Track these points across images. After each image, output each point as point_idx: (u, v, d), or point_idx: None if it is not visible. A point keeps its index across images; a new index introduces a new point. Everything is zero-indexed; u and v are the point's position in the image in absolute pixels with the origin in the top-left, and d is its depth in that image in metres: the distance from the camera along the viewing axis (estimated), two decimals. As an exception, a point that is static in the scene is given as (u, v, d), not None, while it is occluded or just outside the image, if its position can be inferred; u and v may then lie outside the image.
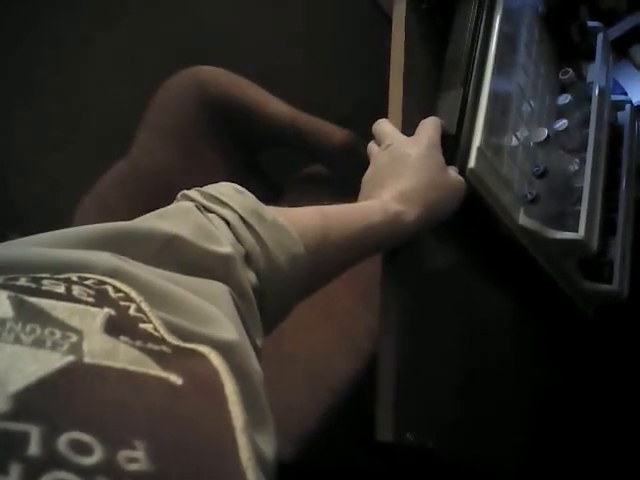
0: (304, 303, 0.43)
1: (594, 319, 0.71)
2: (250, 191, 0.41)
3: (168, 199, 0.40)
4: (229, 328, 0.27)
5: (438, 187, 0.52)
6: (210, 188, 0.40)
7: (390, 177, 0.52)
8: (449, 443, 0.54)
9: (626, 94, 0.79)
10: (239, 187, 0.41)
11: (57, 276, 0.24)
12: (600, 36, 0.70)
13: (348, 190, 0.56)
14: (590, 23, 0.71)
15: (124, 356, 0.21)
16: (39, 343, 0.19)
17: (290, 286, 0.40)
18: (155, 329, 0.23)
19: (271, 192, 1.00)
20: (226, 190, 0.39)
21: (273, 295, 0.38)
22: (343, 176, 0.92)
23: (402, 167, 0.52)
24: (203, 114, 0.92)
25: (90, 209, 0.89)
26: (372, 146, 0.57)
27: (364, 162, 0.57)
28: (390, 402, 0.48)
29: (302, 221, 0.43)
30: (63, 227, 0.29)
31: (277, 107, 0.91)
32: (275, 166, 1.04)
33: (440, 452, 0.52)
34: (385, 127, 0.56)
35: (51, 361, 0.19)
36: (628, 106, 0.74)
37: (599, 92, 0.66)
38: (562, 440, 0.67)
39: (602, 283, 0.66)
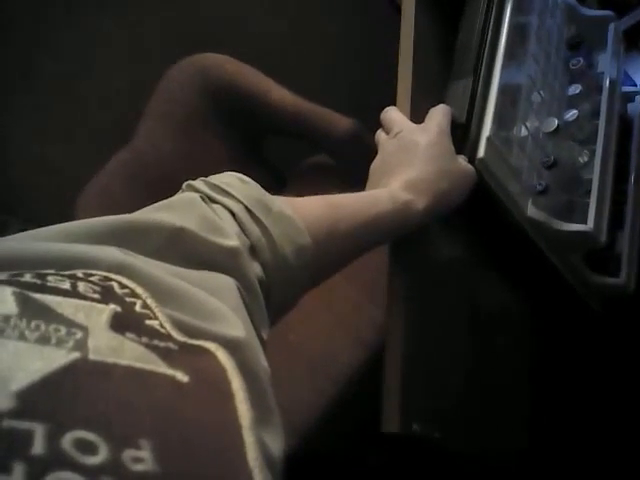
0: (306, 294, 0.43)
1: (601, 312, 0.70)
2: (254, 181, 0.40)
3: (171, 188, 0.39)
4: (236, 324, 0.26)
5: (447, 176, 0.51)
6: (215, 178, 0.39)
7: (399, 165, 0.51)
8: (455, 434, 0.54)
9: (636, 85, 0.78)
10: (244, 177, 0.40)
11: (62, 272, 0.23)
12: (611, 26, 0.69)
13: (354, 179, 0.56)
14: (602, 12, 0.70)
15: (130, 353, 0.20)
16: (44, 340, 0.19)
17: (296, 277, 0.39)
18: (161, 325, 0.23)
19: (276, 182, 1.00)
20: (231, 180, 0.39)
21: (279, 286, 0.38)
22: (348, 165, 0.91)
23: (411, 155, 0.51)
24: (206, 102, 0.91)
25: (93, 198, 0.89)
26: (380, 134, 0.56)
27: (369, 151, 0.56)
28: (397, 393, 0.48)
29: (309, 211, 0.42)
30: (65, 215, 0.29)
31: (281, 95, 0.90)
32: (280, 155, 1.03)
33: (446, 443, 0.52)
34: (393, 115, 0.56)
35: (56, 358, 0.19)
36: (638, 97, 0.73)
37: (610, 83, 0.65)
38: (568, 433, 0.66)
39: (609, 276, 0.65)
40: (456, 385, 0.56)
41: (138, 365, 0.20)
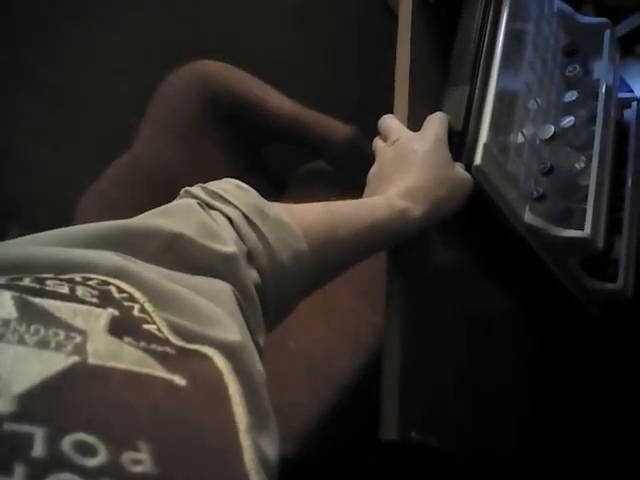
0: (305, 299, 0.43)
1: (598, 318, 0.70)
2: (252, 187, 0.40)
3: (170, 194, 0.39)
4: (233, 329, 0.27)
5: (444, 184, 0.51)
6: (213, 185, 0.39)
7: (396, 173, 0.51)
8: (453, 441, 0.54)
9: (632, 91, 0.79)
10: (242, 184, 0.40)
11: (61, 276, 0.24)
12: (607, 33, 0.69)
13: (351, 186, 0.56)
14: (597, 20, 0.71)
15: (128, 357, 0.20)
16: (43, 344, 0.19)
17: (293, 284, 0.39)
18: (159, 330, 0.23)
19: (274, 188, 1.00)
20: (229, 187, 0.39)
21: (276, 293, 0.38)
22: (346, 172, 0.91)
23: (408, 163, 0.51)
24: (206, 109, 0.92)
25: (92, 204, 0.89)
26: (378, 142, 0.57)
27: (368, 158, 0.56)
28: (395, 401, 0.48)
29: (306, 217, 0.42)
30: (65, 221, 0.29)
31: (280, 103, 0.91)
32: (278, 162, 1.03)
33: (444, 450, 0.52)
34: (391, 122, 0.56)
35: (55, 362, 0.19)
36: (634, 104, 0.73)
37: (606, 89, 0.65)
38: (566, 437, 0.66)
39: (607, 282, 0.66)
40: (454, 392, 0.56)
41: (136, 369, 0.20)
